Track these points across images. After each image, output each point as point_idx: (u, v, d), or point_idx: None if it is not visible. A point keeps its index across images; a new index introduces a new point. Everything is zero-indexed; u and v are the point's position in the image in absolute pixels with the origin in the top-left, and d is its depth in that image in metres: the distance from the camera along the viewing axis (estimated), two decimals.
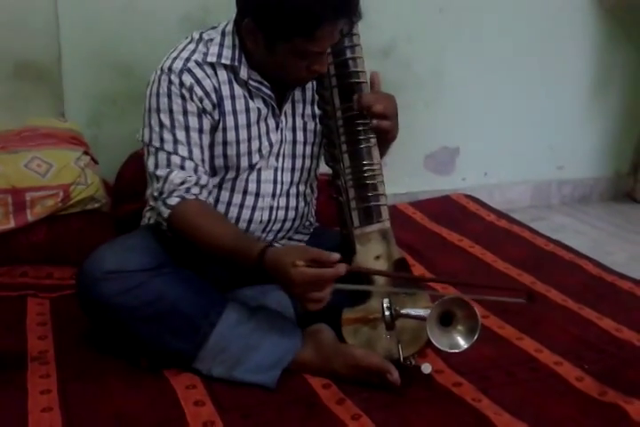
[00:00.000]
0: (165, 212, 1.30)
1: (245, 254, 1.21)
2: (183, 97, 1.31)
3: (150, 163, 1.33)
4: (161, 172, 1.31)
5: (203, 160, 1.34)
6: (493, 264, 1.87)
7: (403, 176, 2.35)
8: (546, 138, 2.61)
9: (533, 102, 2.52)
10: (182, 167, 1.31)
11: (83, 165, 1.69)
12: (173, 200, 1.30)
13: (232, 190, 1.41)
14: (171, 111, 1.31)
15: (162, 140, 1.31)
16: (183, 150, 1.31)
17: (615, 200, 2.79)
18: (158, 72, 1.33)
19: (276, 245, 1.49)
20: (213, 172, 1.40)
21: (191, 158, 1.32)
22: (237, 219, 1.42)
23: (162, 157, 1.31)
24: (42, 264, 1.64)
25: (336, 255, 1.17)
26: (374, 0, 2.03)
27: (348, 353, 1.28)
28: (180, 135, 1.31)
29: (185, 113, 1.31)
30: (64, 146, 1.74)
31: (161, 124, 1.32)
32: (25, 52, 1.88)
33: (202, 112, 1.32)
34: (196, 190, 1.31)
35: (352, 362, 1.27)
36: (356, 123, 1.38)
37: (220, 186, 1.41)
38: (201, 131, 1.33)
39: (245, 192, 1.42)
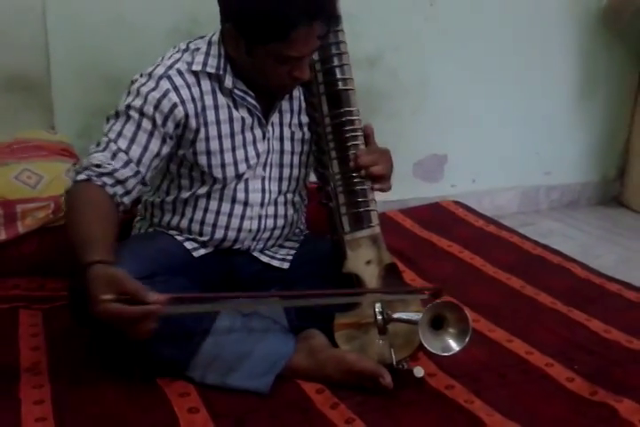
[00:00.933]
0: (68, 185, 1.30)
1: (79, 260, 1.15)
2: (146, 100, 1.30)
3: (95, 144, 1.33)
4: (94, 149, 1.31)
5: (140, 161, 1.31)
6: (483, 269, 1.89)
7: (392, 183, 2.36)
8: (533, 144, 2.63)
9: (520, 109, 2.55)
10: (114, 156, 1.29)
11: None
12: (80, 176, 1.28)
13: (220, 199, 1.42)
14: (128, 107, 1.31)
15: (110, 129, 1.32)
16: (123, 143, 1.30)
17: (603, 205, 2.82)
18: (137, 76, 1.35)
19: (266, 252, 1.50)
20: (201, 182, 1.40)
21: (127, 153, 1.30)
22: (227, 227, 1.43)
23: (104, 140, 1.32)
24: (33, 276, 1.64)
25: (153, 296, 1.09)
26: (360, 10, 2.08)
27: (341, 358, 1.29)
28: (128, 130, 1.31)
29: (142, 114, 1.31)
30: (54, 158, 1.75)
31: (117, 117, 1.32)
32: (14, 64, 1.89)
33: (164, 119, 1.31)
34: (107, 180, 1.28)
35: (345, 367, 1.28)
36: (344, 129, 1.40)
37: (208, 195, 1.41)
38: (151, 134, 1.31)
39: (234, 201, 1.42)
